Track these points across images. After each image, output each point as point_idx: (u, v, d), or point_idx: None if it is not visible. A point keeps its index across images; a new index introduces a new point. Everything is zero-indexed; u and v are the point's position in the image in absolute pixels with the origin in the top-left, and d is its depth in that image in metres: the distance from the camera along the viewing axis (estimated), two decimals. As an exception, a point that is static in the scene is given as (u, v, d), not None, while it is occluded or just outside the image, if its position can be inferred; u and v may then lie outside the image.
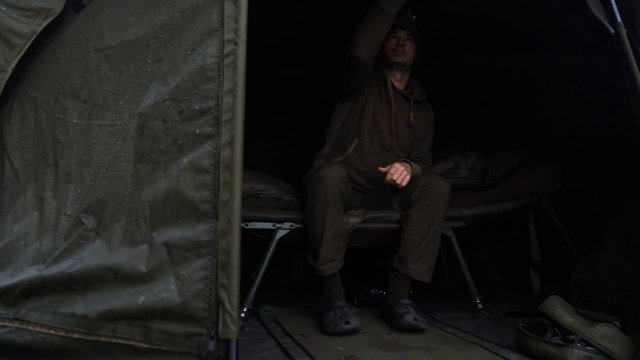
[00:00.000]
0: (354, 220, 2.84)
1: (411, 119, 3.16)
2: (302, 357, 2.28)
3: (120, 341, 1.68)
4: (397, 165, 2.87)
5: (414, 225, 2.81)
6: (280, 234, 2.84)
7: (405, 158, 3.08)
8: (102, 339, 1.69)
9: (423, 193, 2.82)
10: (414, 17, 3.15)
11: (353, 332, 2.58)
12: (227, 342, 1.64)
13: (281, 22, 3.49)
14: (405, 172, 2.87)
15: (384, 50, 3.13)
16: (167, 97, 1.80)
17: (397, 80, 3.20)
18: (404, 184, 2.85)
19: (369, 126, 3.10)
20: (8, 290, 1.82)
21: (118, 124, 1.86)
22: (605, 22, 2.22)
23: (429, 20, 3.48)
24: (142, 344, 1.67)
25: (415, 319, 2.63)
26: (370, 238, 3.01)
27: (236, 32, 1.76)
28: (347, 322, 2.58)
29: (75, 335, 1.72)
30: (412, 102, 3.18)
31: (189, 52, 1.81)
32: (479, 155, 3.44)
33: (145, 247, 1.72)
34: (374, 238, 3.02)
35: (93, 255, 1.76)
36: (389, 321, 2.77)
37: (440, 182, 2.86)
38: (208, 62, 1.76)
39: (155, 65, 1.86)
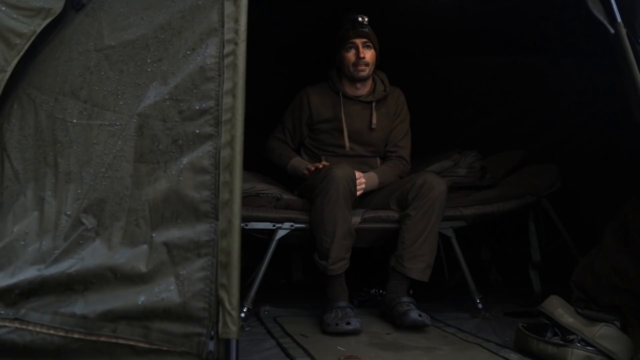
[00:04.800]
0: (354, 220, 2.84)
1: (373, 122, 3.11)
2: (302, 357, 2.28)
3: (120, 341, 1.68)
4: (359, 174, 2.93)
5: (410, 224, 2.81)
6: (280, 234, 2.84)
7: (378, 155, 3.20)
8: (102, 339, 1.69)
9: (419, 192, 2.82)
10: (366, 19, 3.01)
11: (353, 332, 2.58)
12: (227, 342, 1.64)
13: (281, 22, 3.49)
14: (363, 186, 2.94)
15: (344, 63, 3.08)
16: (167, 97, 1.80)
17: (359, 88, 3.14)
18: (357, 193, 2.89)
19: (329, 144, 3.15)
20: (8, 290, 1.82)
21: (118, 123, 1.86)
22: (605, 22, 2.22)
23: (428, 21, 3.49)
24: (142, 344, 1.67)
25: (420, 315, 2.64)
26: (370, 238, 3.01)
27: (236, 32, 1.76)
28: (348, 323, 2.57)
29: (75, 335, 1.72)
30: (373, 103, 3.14)
31: (189, 52, 1.81)
32: (477, 154, 3.44)
33: (145, 247, 1.72)
34: (374, 238, 3.02)
35: (93, 255, 1.76)
36: (391, 320, 2.77)
37: (437, 181, 2.87)
38: (208, 62, 1.76)
39: (155, 65, 1.86)
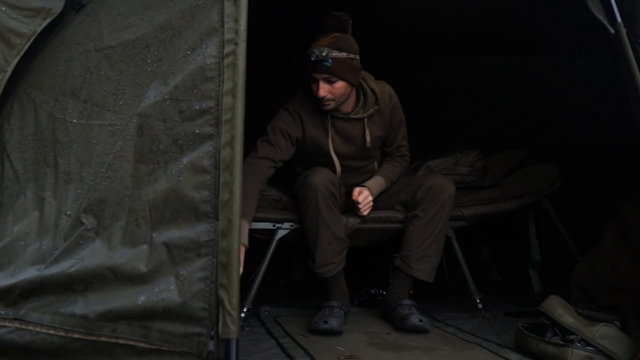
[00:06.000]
0: (353, 220, 2.84)
1: (368, 140, 2.87)
2: (302, 357, 2.28)
3: (120, 341, 1.68)
4: (366, 193, 2.80)
5: (419, 225, 2.80)
6: (280, 234, 2.84)
7: (375, 159, 3.03)
8: (102, 339, 1.69)
9: (428, 194, 2.81)
10: (325, 52, 2.64)
11: (330, 332, 2.56)
12: (227, 342, 1.64)
13: (282, 22, 3.49)
14: (371, 203, 2.82)
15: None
16: (167, 97, 1.80)
17: (340, 110, 2.83)
18: (364, 213, 2.81)
19: (323, 163, 2.87)
20: (8, 290, 1.82)
21: (118, 123, 1.86)
22: (605, 22, 2.22)
23: (428, 21, 3.49)
24: (142, 344, 1.67)
25: (421, 320, 2.63)
26: (370, 237, 3.00)
27: (236, 32, 1.76)
28: (325, 322, 2.57)
29: (75, 335, 1.72)
30: (366, 119, 2.86)
31: (189, 52, 1.81)
32: (479, 153, 3.45)
33: (145, 247, 1.72)
34: (374, 237, 3.02)
35: (93, 255, 1.76)
36: (391, 321, 2.77)
37: (446, 183, 2.86)
38: (208, 62, 1.76)
39: (155, 65, 1.86)
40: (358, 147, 2.91)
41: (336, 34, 2.71)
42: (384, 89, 2.91)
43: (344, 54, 2.69)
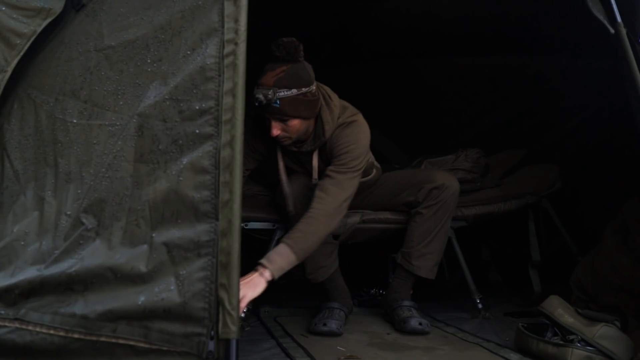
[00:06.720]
0: (352, 220, 2.83)
1: (314, 177, 2.63)
2: (302, 357, 2.28)
3: (120, 341, 1.68)
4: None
5: (421, 222, 2.78)
6: (280, 234, 2.84)
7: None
8: (102, 339, 1.69)
9: (433, 192, 2.78)
10: (270, 94, 2.35)
11: (330, 334, 2.56)
12: (227, 342, 1.64)
13: (282, 21, 3.49)
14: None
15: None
16: (167, 97, 1.80)
17: (297, 143, 2.63)
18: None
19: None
20: (8, 290, 1.82)
21: (118, 123, 1.87)
22: (605, 22, 2.22)
23: (429, 22, 3.49)
24: (142, 344, 1.67)
25: (420, 323, 2.63)
26: (368, 236, 3.01)
27: (236, 32, 1.76)
28: (324, 324, 2.57)
29: (75, 335, 1.72)
30: (315, 153, 2.64)
31: (189, 52, 1.81)
32: (480, 150, 3.45)
33: (145, 247, 1.72)
34: (372, 235, 3.02)
35: (93, 255, 1.76)
36: (391, 322, 2.77)
37: (450, 180, 2.83)
38: (208, 62, 1.76)
39: (155, 65, 1.86)
40: (311, 184, 2.66)
41: (284, 67, 2.39)
42: (340, 114, 2.60)
43: (294, 91, 2.40)
